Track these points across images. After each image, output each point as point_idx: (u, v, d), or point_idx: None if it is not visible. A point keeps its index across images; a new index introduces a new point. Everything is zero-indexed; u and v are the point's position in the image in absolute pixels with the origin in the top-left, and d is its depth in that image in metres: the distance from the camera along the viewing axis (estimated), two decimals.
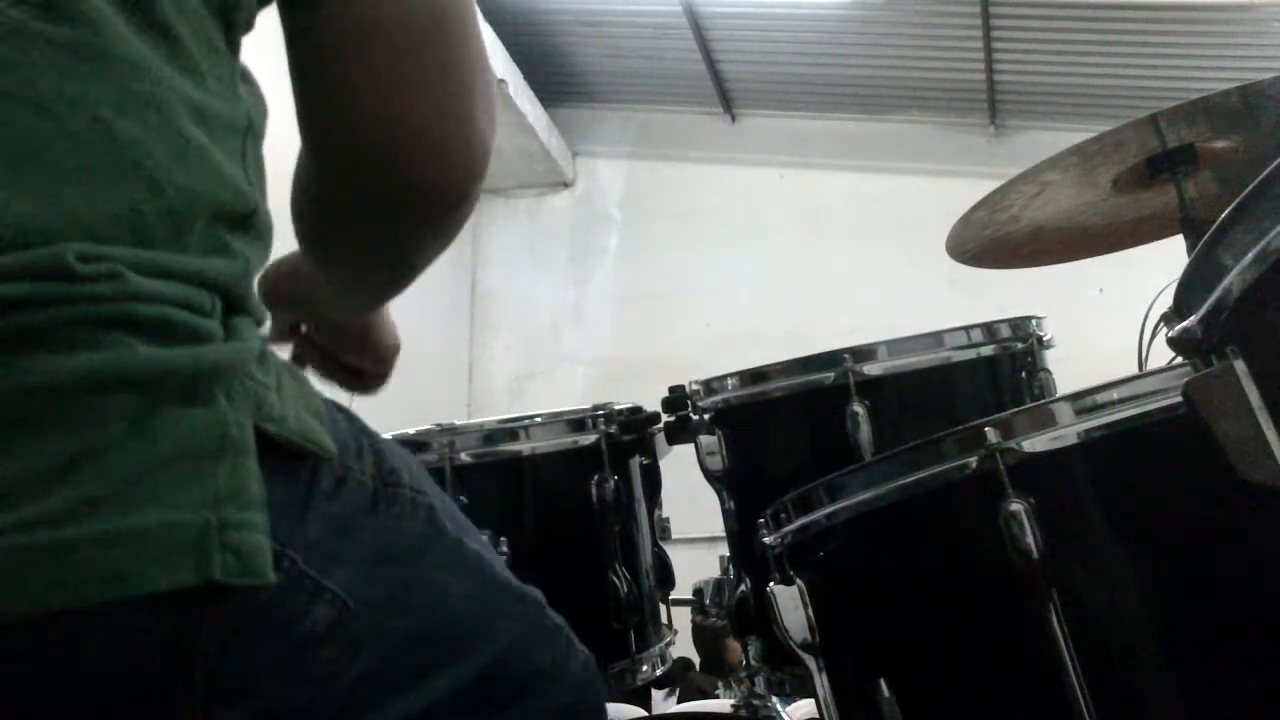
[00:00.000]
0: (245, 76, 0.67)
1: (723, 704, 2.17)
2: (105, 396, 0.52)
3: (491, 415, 1.85)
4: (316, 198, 0.74)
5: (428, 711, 0.66)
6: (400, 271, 0.80)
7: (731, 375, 1.56)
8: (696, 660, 4.64)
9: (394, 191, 0.69)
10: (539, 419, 1.66)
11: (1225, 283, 0.63)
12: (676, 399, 1.62)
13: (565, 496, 1.66)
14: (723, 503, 1.61)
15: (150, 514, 0.52)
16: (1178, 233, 1.75)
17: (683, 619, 1.88)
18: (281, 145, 0.75)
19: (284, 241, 0.75)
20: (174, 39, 0.59)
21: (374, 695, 0.64)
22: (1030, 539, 0.92)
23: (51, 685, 0.53)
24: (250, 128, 0.65)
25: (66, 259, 0.52)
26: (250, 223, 0.63)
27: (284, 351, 0.96)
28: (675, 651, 1.79)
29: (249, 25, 0.68)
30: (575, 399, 1.90)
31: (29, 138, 0.54)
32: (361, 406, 0.75)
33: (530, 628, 0.76)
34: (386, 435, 0.73)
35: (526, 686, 0.74)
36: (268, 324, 0.71)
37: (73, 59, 0.55)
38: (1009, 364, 1.54)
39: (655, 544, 1.76)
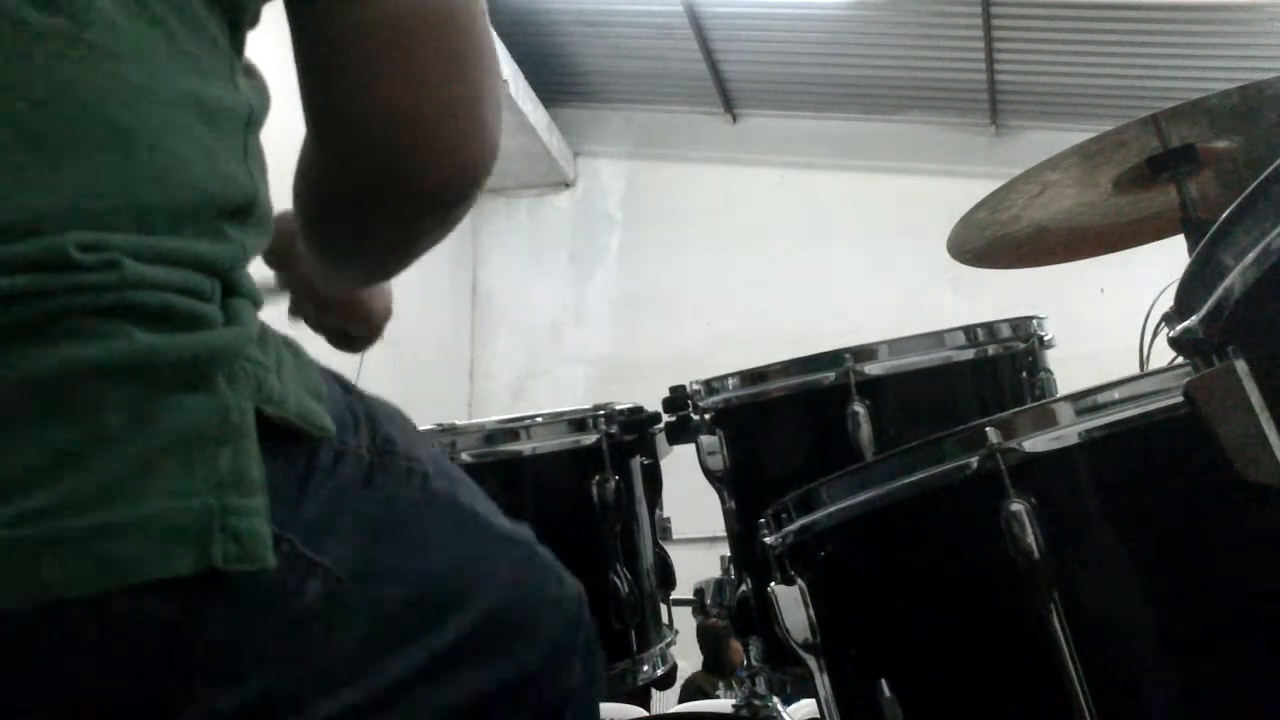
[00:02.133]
0: (248, 68, 0.67)
1: (724, 704, 2.17)
2: (106, 386, 0.52)
3: (492, 415, 1.85)
4: (319, 188, 0.74)
5: (429, 665, 0.67)
6: (395, 261, 0.80)
7: (732, 375, 1.56)
8: (700, 660, 4.64)
9: (398, 187, 0.69)
10: (540, 419, 1.66)
11: (1226, 283, 0.63)
12: (677, 399, 1.62)
13: (566, 496, 1.66)
14: (723, 503, 1.61)
15: (152, 502, 0.52)
16: (1179, 233, 1.75)
17: (684, 619, 1.87)
18: (284, 136, 0.75)
19: None
20: (170, 30, 0.59)
21: (368, 661, 0.65)
22: (1031, 539, 0.92)
23: (53, 674, 0.53)
24: (251, 119, 0.65)
25: (67, 249, 0.52)
26: (249, 211, 0.63)
27: (279, 305, 0.97)
28: (676, 652, 1.79)
29: (255, 19, 0.68)
30: (576, 399, 1.90)
31: (26, 128, 0.54)
32: None
33: (523, 570, 0.77)
34: None
35: (523, 624, 0.75)
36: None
37: (68, 49, 0.55)
38: (1010, 364, 1.54)
39: (656, 544, 1.76)
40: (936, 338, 1.50)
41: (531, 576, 0.78)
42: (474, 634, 0.70)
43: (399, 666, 0.66)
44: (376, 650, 0.65)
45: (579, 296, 7.14)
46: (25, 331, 0.51)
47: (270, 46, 0.76)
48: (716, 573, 1.74)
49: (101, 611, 0.52)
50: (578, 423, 1.64)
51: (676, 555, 1.78)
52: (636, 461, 1.72)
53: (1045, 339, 1.56)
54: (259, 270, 0.71)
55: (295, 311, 1.01)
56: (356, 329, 1.01)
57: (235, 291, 0.61)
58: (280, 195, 0.69)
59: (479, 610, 0.71)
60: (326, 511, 0.62)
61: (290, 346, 0.65)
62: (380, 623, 0.65)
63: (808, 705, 1.78)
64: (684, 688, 4.50)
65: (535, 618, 0.76)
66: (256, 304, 0.64)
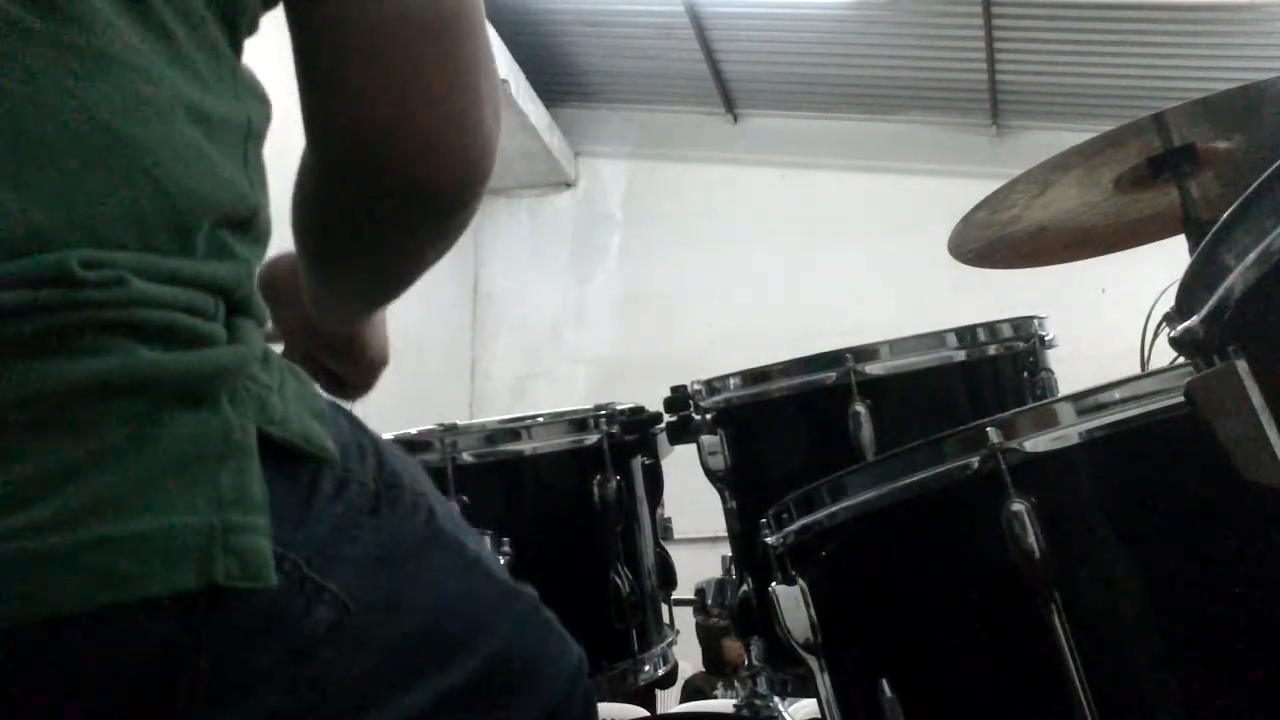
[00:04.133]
0: (248, 79, 0.67)
1: (725, 704, 2.17)
2: (108, 402, 0.52)
3: (493, 415, 1.85)
4: (319, 199, 0.73)
5: (427, 710, 0.67)
6: (397, 276, 0.80)
7: (733, 375, 1.57)
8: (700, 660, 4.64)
9: (398, 193, 0.69)
10: (541, 419, 1.66)
11: (1227, 283, 0.63)
12: (678, 399, 1.62)
13: (567, 496, 1.66)
14: (725, 502, 1.61)
15: (153, 518, 0.52)
16: (1180, 232, 1.75)
17: (685, 619, 1.88)
18: (284, 143, 0.75)
19: (281, 241, 0.75)
20: (174, 40, 0.59)
21: (374, 695, 0.64)
22: (1032, 539, 0.92)
23: (54, 689, 0.53)
24: (251, 130, 0.65)
25: (70, 265, 0.52)
26: (251, 225, 0.63)
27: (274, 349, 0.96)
28: (677, 652, 1.79)
29: (253, 27, 0.68)
30: (577, 399, 1.90)
31: (29, 139, 0.53)
32: (364, 406, 0.75)
33: (525, 625, 0.77)
34: (389, 435, 0.74)
35: (521, 682, 0.74)
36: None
37: (73, 59, 0.55)
38: (1011, 364, 1.54)
39: (657, 544, 1.76)
40: (938, 338, 1.50)
41: (535, 633, 0.78)
42: (478, 681, 0.70)
43: (406, 705, 0.65)
44: (385, 684, 0.65)
45: (580, 296, 7.14)
46: (28, 346, 0.51)
47: (271, 55, 0.76)
48: (717, 573, 1.74)
49: (103, 627, 0.52)
50: (579, 423, 1.64)
51: (677, 555, 1.78)
52: (638, 461, 1.72)
53: (1046, 339, 1.56)
54: None
55: (287, 357, 1.00)
56: (352, 373, 1.01)
57: (239, 311, 0.61)
58: (280, 204, 0.69)
59: (483, 657, 0.71)
60: (331, 535, 0.62)
61: (294, 371, 0.65)
62: (388, 656, 0.65)
63: (809, 705, 1.78)
64: (684, 688, 4.50)
65: (537, 675, 0.76)
66: (261, 324, 0.63)
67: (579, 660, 0.80)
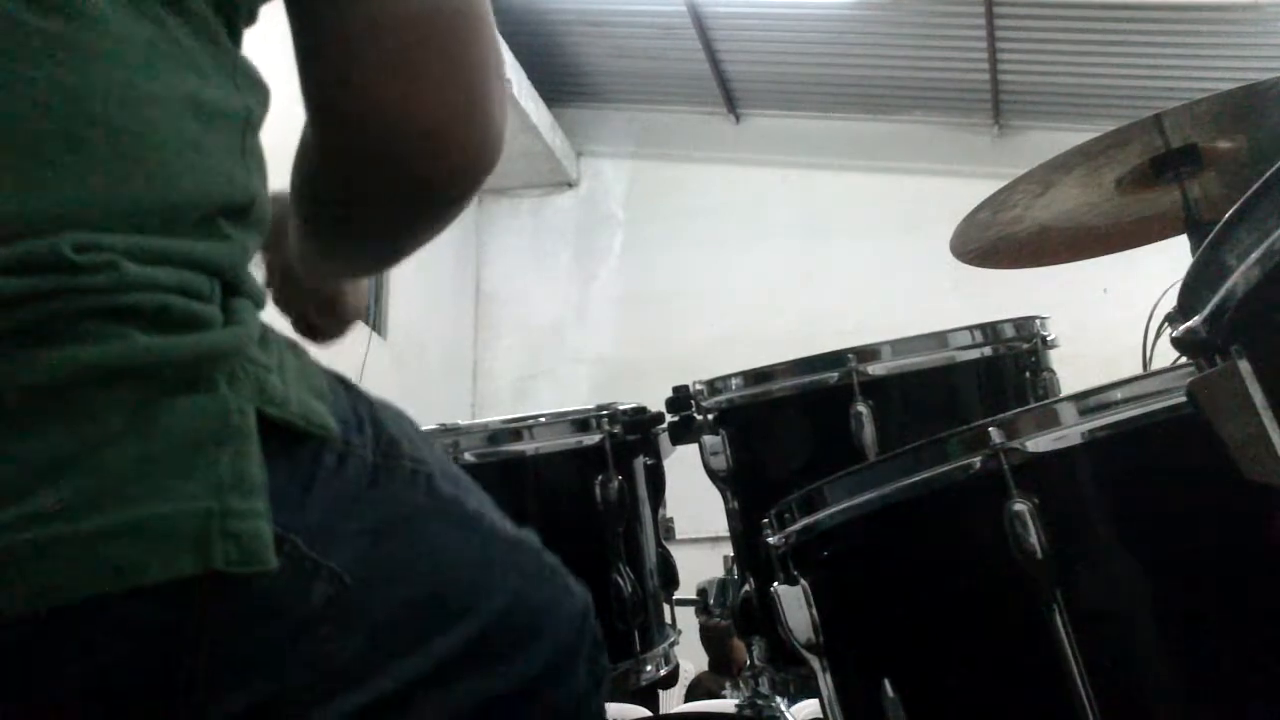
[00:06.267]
0: (248, 69, 0.67)
1: (727, 704, 2.17)
2: (106, 388, 0.53)
3: (495, 415, 1.85)
4: (320, 184, 0.74)
5: (434, 670, 0.67)
6: (389, 256, 0.80)
7: (735, 375, 1.56)
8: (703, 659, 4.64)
9: (401, 183, 0.69)
10: (543, 419, 1.66)
11: (1229, 283, 0.63)
12: (680, 399, 1.62)
13: (569, 496, 1.66)
14: (726, 503, 1.61)
15: (151, 505, 0.52)
16: (1182, 233, 1.76)
17: (687, 619, 1.88)
18: (282, 133, 0.75)
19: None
20: (171, 31, 0.59)
21: (374, 663, 0.64)
22: (1034, 539, 0.92)
23: (55, 678, 0.53)
24: (249, 119, 0.65)
25: (63, 250, 0.52)
26: (248, 212, 0.63)
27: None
28: (679, 652, 1.79)
29: (251, 17, 0.68)
30: (579, 399, 1.90)
31: (23, 130, 0.54)
32: None
33: (529, 575, 0.77)
34: None
35: (527, 634, 0.75)
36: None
37: (67, 51, 0.55)
38: (1013, 364, 1.54)
39: (659, 544, 1.76)
40: (939, 338, 1.50)
41: (538, 582, 0.78)
42: (481, 639, 0.70)
43: (407, 670, 0.66)
44: (384, 653, 0.65)
45: (582, 296, 7.15)
46: (23, 334, 0.51)
47: (271, 46, 0.76)
48: (719, 573, 1.74)
49: (104, 614, 0.52)
50: (581, 423, 1.64)
51: (679, 555, 1.78)
52: (640, 461, 1.72)
53: (1048, 339, 1.56)
54: None
55: (270, 293, 1.00)
56: (326, 323, 1.01)
57: (236, 292, 0.61)
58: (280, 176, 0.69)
59: (486, 615, 0.71)
60: (331, 513, 0.62)
61: (293, 348, 0.65)
62: (388, 626, 0.65)
63: (811, 705, 1.78)
64: (690, 688, 4.50)
65: (542, 624, 0.76)
66: (259, 304, 0.63)
67: (584, 604, 0.80)
